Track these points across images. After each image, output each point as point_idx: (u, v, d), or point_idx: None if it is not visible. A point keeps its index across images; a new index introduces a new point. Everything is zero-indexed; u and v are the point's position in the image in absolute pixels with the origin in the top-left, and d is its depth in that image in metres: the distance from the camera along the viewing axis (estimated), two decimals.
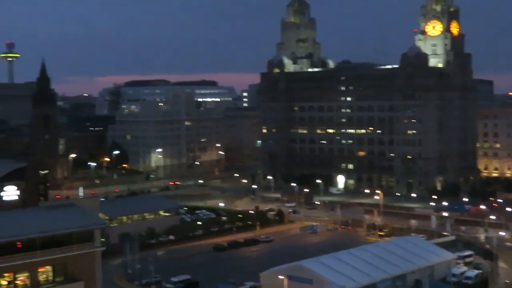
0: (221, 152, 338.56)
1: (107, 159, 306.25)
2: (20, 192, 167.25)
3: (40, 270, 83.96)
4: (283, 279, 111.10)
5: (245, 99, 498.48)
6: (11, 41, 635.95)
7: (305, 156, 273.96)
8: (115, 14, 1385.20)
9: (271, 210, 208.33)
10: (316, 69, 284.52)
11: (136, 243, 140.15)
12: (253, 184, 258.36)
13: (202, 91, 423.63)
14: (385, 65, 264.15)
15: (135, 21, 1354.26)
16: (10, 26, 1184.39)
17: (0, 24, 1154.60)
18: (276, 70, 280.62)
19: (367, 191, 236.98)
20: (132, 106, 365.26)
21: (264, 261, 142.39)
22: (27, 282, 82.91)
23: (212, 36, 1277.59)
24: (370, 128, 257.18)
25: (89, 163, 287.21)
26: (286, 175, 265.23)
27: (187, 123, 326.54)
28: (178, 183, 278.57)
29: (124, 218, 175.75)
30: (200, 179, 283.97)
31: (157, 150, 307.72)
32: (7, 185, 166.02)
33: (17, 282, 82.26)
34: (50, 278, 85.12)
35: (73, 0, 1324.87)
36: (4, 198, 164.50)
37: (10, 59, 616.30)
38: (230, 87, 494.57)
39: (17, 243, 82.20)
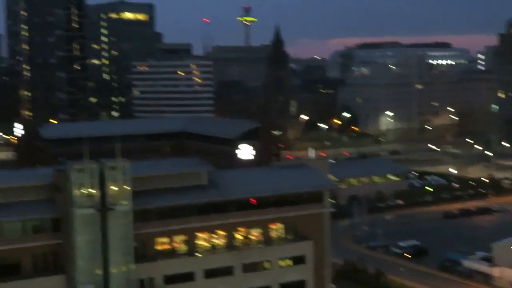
0: (453, 117, 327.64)
1: (337, 121, 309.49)
2: (255, 151, 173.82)
3: (272, 227, 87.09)
4: None
5: (480, 62, 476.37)
6: (248, 5, 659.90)
7: None
8: None
9: (506, 178, 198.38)
10: None
11: (364, 205, 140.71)
12: (487, 151, 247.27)
13: (435, 54, 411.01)
14: None
15: None
16: None
17: None
18: None
19: None
20: (363, 69, 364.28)
21: (497, 232, 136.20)
22: (260, 238, 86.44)
23: None
24: None
25: (319, 125, 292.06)
26: None
27: (418, 86, 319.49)
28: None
29: (353, 180, 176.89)
30: (431, 144, 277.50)
31: (387, 113, 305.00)
32: (243, 144, 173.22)
33: (250, 237, 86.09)
34: (281, 235, 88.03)
35: None
36: (240, 157, 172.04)
37: (247, 22, 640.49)
38: (465, 49, 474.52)
39: (252, 200, 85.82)
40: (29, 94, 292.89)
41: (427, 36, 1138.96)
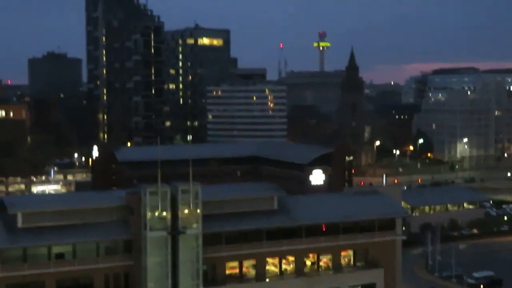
0: None
1: (411, 147, 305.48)
2: (326, 177, 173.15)
3: (342, 253, 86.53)
4: None
5: None
6: (323, 30, 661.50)
7: None
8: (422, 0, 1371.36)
9: None
10: None
11: (438, 234, 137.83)
12: None
13: None
14: None
15: (442, 6, 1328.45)
16: (321, 16, 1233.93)
17: (313, 15, 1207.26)
18: None
19: None
20: (439, 95, 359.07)
21: None
22: (330, 264, 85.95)
23: None
24: None
25: (393, 151, 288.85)
26: None
27: (496, 112, 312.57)
28: None
29: (426, 208, 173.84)
30: (508, 172, 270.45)
31: (463, 140, 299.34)
32: (315, 169, 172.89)
33: (320, 263, 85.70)
34: (351, 262, 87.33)
35: None
36: (312, 182, 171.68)
37: (322, 48, 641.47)
38: None
39: (322, 226, 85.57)
40: (107, 117, 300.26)
41: (506, 62, 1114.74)
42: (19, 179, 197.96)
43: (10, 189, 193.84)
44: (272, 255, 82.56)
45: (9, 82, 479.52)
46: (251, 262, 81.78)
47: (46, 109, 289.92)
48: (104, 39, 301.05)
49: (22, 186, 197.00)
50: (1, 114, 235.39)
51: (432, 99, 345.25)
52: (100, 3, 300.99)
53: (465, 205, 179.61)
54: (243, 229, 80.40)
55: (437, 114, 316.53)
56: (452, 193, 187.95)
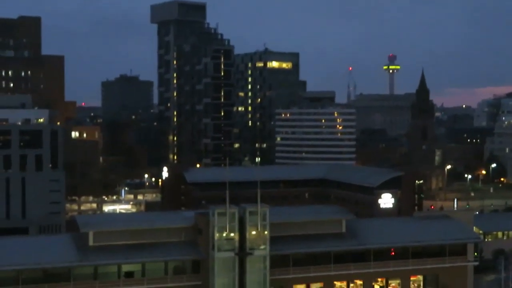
0: None
1: (483, 172, 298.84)
2: (395, 201, 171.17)
3: (411, 278, 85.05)
4: None
5: None
6: (393, 53, 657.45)
7: None
8: (489, 26, 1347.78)
9: None
10: None
11: (511, 260, 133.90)
12: None
13: None
14: None
15: None
16: (392, 38, 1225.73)
17: (383, 38, 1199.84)
18: None
19: None
20: None
21: None
22: None
23: None
24: None
25: (465, 175, 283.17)
26: None
27: None
28: None
29: (499, 233, 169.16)
30: None
31: None
32: (384, 193, 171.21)
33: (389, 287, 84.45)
34: (421, 287, 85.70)
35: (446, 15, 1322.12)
36: (381, 206, 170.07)
37: (391, 71, 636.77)
38: None
39: (391, 250, 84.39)
40: (176, 139, 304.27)
41: None
42: (91, 198, 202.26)
43: (82, 208, 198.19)
44: (340, 279, 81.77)
45: (83, 104, 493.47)
46: (319, 285, 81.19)
47: (118, 130, 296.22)
48: (175, 62, 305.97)
49: (94, 205, 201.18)
50: (75, 135, 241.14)
51: (506, 123, 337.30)
52: (171, 27, 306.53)
53: None
54: (311, 251, 79.99)
55: (510, 138, 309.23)
56: None
